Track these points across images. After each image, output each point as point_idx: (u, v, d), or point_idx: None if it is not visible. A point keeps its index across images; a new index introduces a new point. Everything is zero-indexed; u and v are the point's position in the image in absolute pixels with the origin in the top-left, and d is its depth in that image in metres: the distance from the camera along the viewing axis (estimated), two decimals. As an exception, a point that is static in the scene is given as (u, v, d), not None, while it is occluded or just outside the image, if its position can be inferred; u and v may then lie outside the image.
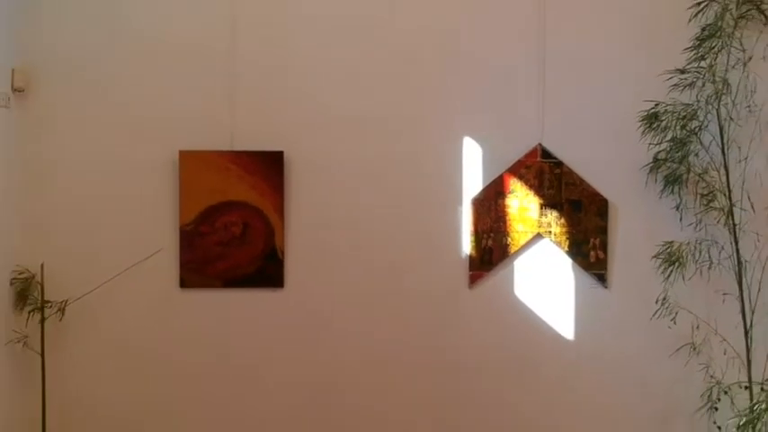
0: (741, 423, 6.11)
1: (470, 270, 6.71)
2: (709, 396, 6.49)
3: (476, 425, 6.74)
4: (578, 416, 6.82)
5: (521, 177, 6.69)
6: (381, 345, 6.78)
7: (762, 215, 6.52)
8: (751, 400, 6.22)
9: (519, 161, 6.65)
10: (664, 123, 6.45)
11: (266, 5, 6.78)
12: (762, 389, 6.24)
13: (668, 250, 6.42)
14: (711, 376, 6.55)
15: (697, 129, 6.44)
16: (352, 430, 6.75)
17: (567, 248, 6.67)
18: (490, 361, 6.79)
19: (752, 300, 6.44)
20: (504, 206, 6.72)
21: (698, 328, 6.56)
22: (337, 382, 6.76)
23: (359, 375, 6.78)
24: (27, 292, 6.45)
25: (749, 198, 6.51)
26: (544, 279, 6.77)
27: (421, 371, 6.76)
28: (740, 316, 6.42)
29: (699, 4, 6.37)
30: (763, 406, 6.08)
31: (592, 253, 6.72)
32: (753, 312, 6.42)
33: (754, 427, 6.10)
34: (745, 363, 6.39)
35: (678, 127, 6.42)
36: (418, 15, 6.82)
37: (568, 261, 6.71)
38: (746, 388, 6.33)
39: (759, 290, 6.49)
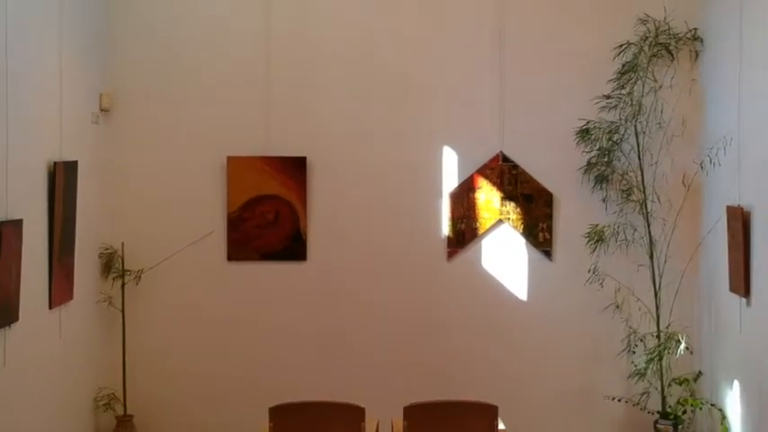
0: (648, 359, 7.16)
1: (448, 247, 7.54)
2: (628, 342, 7.34)
3: (453, 365, 7.48)
4: (531, 358, 7.57)
5: (486, 177, 7.52)
6: (380, 304, 7.55)
7: (666, 206, 7.36)
8: (659, 344, 7.15)
9: (485, 164, 7.49)
10: (594, 136, 7.28)
11: (293, 47, 7.50)
12: (666, 335, 7.15)
13: (595, 231, 7.28)
14: (630, 327, 7.36)
15: (619, 140, 7.26)
16: (357, 370, 7.47)
17: (521, 231, 7.52)
18: (463, 317, 7.57)
19: (660, 269, 7.30)
20: (473, 199, 7.54)
21: (619, 290, 7.38)
22: (346, 333, 7.54)
23: (363, 327, 7.56)
24: (111, 264, 7.28)
25: (657, 193, 7.34)
26: (504, 254, 7.58)
27: (411, 323, 7.55)
28: (651, 282, 7.29)
29: (621, 46, 7.24)
30: (662, 347, 7.09)
31: (540, 234, 7.53)
32: (660, 279, 7.29)
33: (659, 360, 7.14)
34: (655, 317, 7.27)
35: (605, 139, 7.26)
36: (410, 57, 7.53)
37: (522, 240, 7.54)
38: (655, 336, 7.22)
39: (665, 261, 7.30)
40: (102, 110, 7.29)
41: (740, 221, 6.38)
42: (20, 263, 5.49)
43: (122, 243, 7.32)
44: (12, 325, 5.42)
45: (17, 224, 5.45)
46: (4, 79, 5.35)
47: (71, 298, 6.52)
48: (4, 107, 5.34)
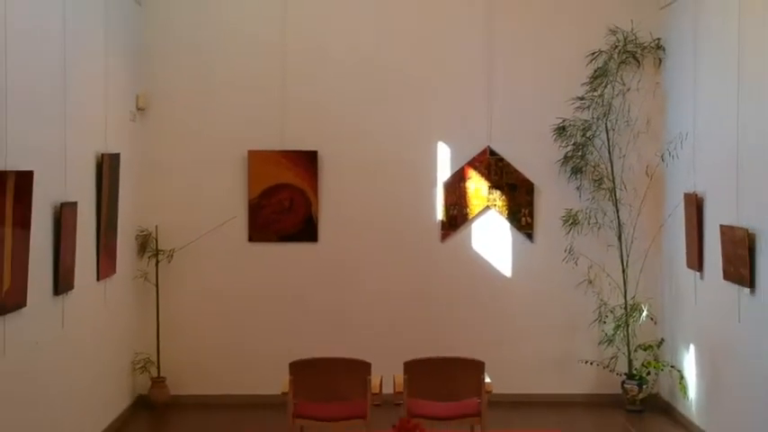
0: (616, 326, 7.65)
1: (442, 230, 7.93)
2: (599, 313, 7.76)
3: (446, 331, 7.79)
4: (513, 326, 7.92)
5: (475, 168, 7.90)
6: (383, 278, 7.90)
7: (632, 193, 7.74)
8: (624, 313, 7.66)
9: (474, 158, 7.88)
10: (569, 132, 7.70)
11: (306, 56, 7.83)
12: (631, 306, 7.64)
13: (570, 215, 7.71)
14: (601, 300, 7.77)
15: (591, 136, 7.66)
16: (362, 333, 7.74)
17: (506, 216, 7.91)
18: (455, 290, 7.92)
19: (627, 249, 7.73)
20: (464, 188, 7.91)
21: (592, 267, 7.79)
22: (353, 302, 7.90)
23: (367, 298, 7.91)
24: (146, 244, 7.70)
25: (624, 182, 7.75)
26: (491, 236, 7.96)
27: (409, 295, 7.91)
28: (619, 260, 7.72)
29: (593, 53, 7.66)
30: (628, 316, 7.57)
31: (523, 219, 7.91)
32: (627, 257, 7.73)
33: (626, 328, 7.61)
34: (622, 291, 7.71)
35: (579, 135, 7.67)
36: (409, 64, 7.87)
37: (507, 224, 7.93)
38: (622, 307, 7.67)
39: (632, 242, 7.72)
40: (138, 109, 7.69)
41: (695, 206, 6.89)
42: (75, 240, 6.02)
43: (156, 226, 7.73)
44: (69, 292, 5.97)
45: (73, 206, 5.98)
46: (63, 84, 5.89)
47: (114, 272, 7.01)
48: (62, 107, 5.88)
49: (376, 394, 6.07)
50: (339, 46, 7.90)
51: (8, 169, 4.89)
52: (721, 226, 6.31)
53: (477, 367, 6.03)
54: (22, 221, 5.09)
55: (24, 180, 5.09)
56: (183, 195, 7.88)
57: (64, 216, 5.80)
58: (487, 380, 6.06)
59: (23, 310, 5.16)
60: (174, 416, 7.64)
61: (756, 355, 5.92)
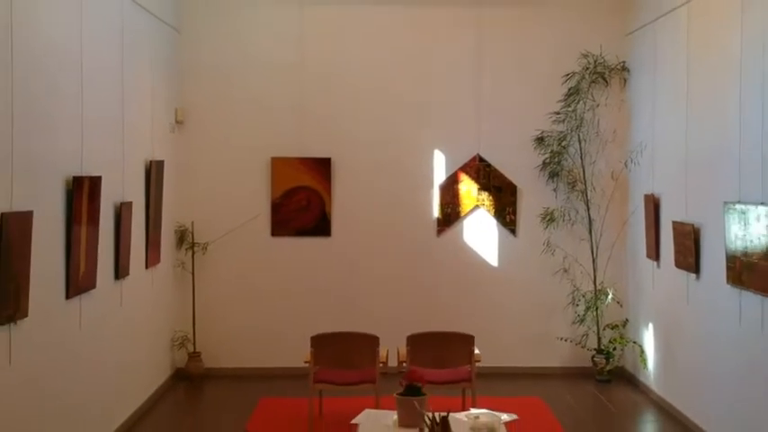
0: (586, 308, 8.15)
1: (437, 226, 8.34)
2: (572, 297, 8.23)
3: (441, 312, 8.07)
4: (499, 308, 8.32)
5: (466, 173, 8.31)
6: (386, 268, 8.30)
7: (601, 194, 8.18)
8: (594, 297, 8.16)
9: (465, 163, 8.29)
10: (547, 142, 8.15)
11: (321, 76, 8.21)
12: (600, 291, 8.14)
13: (548, 213, 8.18)
14: (574, 286, 8.23)
15: (566, 145, 8.10)
16: (371, 313, 8.00)
17: (493, 214, 8.33)
18: (449, 277, 8.32)
19: (596, 242, 8.21)
20: (457, 189, 8.32)
21: (566, 258, 8.23)
22: (362, 288, 8.28)
23: (374, 284, 8.29)
24: (184, 238, 8.17)
25: (594, 184, 8.19)
26: (480, 231, 8.37)
27: (410, 281, 8.31)
28: (590, 251, 8.20)
29: (568, 74, 8.12)
30: (597, 299, 8.06)
31: (507, 216, 8.33)
32: (597, 249, 8.21)
33: (596, 310, 8.09)
34: (592, 278, 8.20)
35: (555, 144, 8.11)
36: (410, 83, 8.24)
37: (494, 221, 8.35)
38: (592, 292, 8.14)
39: (600, 236, 8.19)
40: (177, 122, 8.19)
41: (653, 205, 7.44)
42: (130, 234, 6.67)
43: (192, 222, 8.19)
44: (126, 278, 6.62)
45: (129, 205, 6.63)
46: (121, 104, 6.55)
47: (159, 262, 7.59)
48: (121, 124, 6.54)
49: (383, 363, 6.61)
50: (349, 68, 8.29)
51: (83, 175, 5.59)
52: (673, 222, 6.88)
53: (468, 340, 6.64)
54: (94, 218, 5.79)
55: (95, 184, 5.78)
56: (215, 196, 8.28)
57: (122, 214, 6.45)
58: (477, 351, 6.61)
59: (93, 291, 5.84)
60: (207, 386, 8.04)
61: (701, 330, 6.51)
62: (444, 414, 4.41)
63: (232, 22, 8.33)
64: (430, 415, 4.42)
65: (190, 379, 8.16)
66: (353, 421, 5.16)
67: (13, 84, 4.63)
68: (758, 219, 5.39)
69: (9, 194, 4.56)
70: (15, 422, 4.69)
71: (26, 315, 4.72)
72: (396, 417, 4.94)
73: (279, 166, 8.32)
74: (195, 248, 8.20)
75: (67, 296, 5.41)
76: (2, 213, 4.41)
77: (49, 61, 5.21)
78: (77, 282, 5.53)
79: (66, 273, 5.37)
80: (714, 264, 6.15)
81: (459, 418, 4.80)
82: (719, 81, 6.19)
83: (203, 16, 8.31)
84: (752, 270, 5.50)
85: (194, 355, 8.21)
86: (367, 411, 5.38)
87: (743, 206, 5.61)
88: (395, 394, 5.00)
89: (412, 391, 4.81)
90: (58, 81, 5.34)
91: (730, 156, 5.92)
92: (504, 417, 4.82)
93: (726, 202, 5.85)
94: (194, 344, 8.23)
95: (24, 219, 4.67)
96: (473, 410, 5.27)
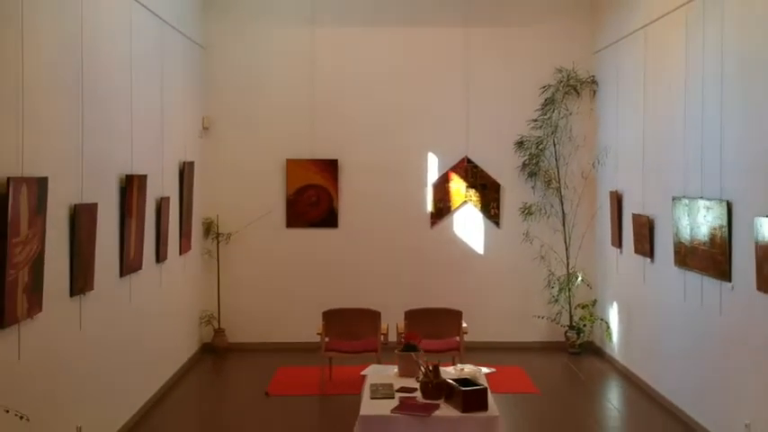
0: (559, 290, 8.69)
1: (431, 219, 8.80)
2: (548, 280, 8.72)
3: (434, 293, 8.42)
4: (485, 290, 8.68)
5: (456, 173, 8.74)
6: (386, 255, 8.75)
7: (573, 191, 8.64)
8: (566, 280, 8.67)
9: (455, 165, 8.73)
10: (526, 146, 8.63)
11: (330, 86, 8.63)
12: (571, 274, 8.61)
13: (527, 208, 8.67)
14: (549, 270, 8.71)
15: (543, 148, 8.57)
16: (373, 292, 8.37)
17: (479, 208, 8.78)
18: (441, 263, 8.76)
19: (569, 233, 8.70)
20: (448, 187, 8.78)
21: (543, 247, 8.71)
22: (365, 272, 8.70)
23: (376, 269, 8.72)
24: (210, 229, 8.66)
25: (567, 183, 8.66)
26: (468, 224, 8.82)
27: (406, 267, 8.76)
28: (563, 241, 8.69)
29: (544, 87, 8.59)
30: (568, 281, 8.56)
31: (492, 210, 8.77)
32: (569, 239, 8.70)
33: (568, 291, 8.61)
34: (565, 264, 8.69)
35: (534, 147, 8.58)
36: (407, 94, 8.66)
37: (480, 215, 8.81)
38: (565, 275, 8.61)
39: (572, 227, 8.68)
40: (204, 128, 8.71)
41: (616, 200, 7.99)
42: (167, 225, 7.29)
43: (217, 215, 8.68)
44: (164, 262, 7.24)
45: (167, 200, 7.26)
46: (161, 112, 7.18)
47: (190, 249, 8.17)
48: (161, 130, 7.16)
49: (384, 335, 7.18)
50: (354, 81, 8.78)
51: (134, 173, 6.26)
52: (633, 214, 7.45)
53: (457, 315, 7.23)
54: (141, 210, 6.44)
55: (142, 181, 6.44)
56: (237, 192, 8.74)
57: (162, 207, 7.10)
58: (464, 324, 7.21)
59: (139, 272, 6.49)
60: (231, 358, 8.51)
61: (655, 307, 7.08)
62: (436, 363, 5.08)
63: (251, 41, 8.79)
64: (424, 366, 5.10)
65: (215, 352, 8.63)
66: (363, 372, 5.77)
67: (83, 97, 5.30)
68: (698, 210, 6.04)
69: (80, 189, 5.23)
70: (87, 377, 5.34)
71: (92, 288, 5.39)
72: (397, 369, 5.58)
73: (292, 166, 8.76)
74: (220, 238, 8.67)
75: (121, 275, 6.05)
76: (75, 205, 5.08)
77: (108, 80, 5.87)
78: (129, 263, 6.20)
79: (120, 255, 6.02)
80: (665, 249, 6.72)
81: (447, 370, 5.45)
82: (669, 94, 6.74)
83: (226, 35, 8.77)
84: (694, 254, 6.14)
85: (219, 331, 8.70)
86: (373, 366, 5.99)
87: (687, 200, 6.22)
88: (396, 351, 5.64)
89: (410, 348, 5.49)
90: (114, 96, 5.99)
91: (677, 157, 6.50)
92: (485, 369, 5.48)
93: (674, 197, 6.43)
94: (219, 321, 8.72)
95: (91, 209, 5.34)
96: (459, 365, 5.89)
